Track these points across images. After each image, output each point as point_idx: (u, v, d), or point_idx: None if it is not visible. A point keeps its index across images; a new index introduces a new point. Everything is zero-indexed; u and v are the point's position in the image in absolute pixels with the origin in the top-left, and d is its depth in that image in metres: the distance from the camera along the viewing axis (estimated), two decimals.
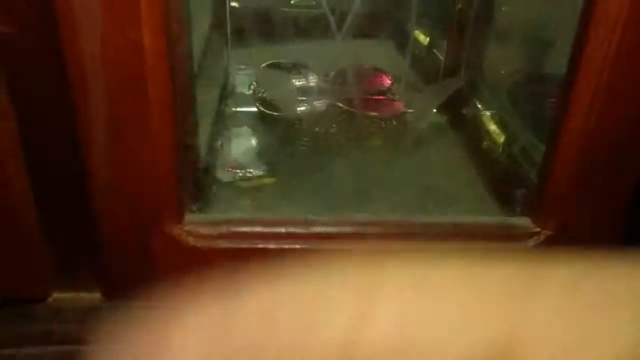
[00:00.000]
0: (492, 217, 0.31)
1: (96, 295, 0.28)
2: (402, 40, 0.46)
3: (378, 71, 0.46)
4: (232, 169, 0.37)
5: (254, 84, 0.44)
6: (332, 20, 0.35)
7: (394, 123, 0.42)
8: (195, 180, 0.26)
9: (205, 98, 0.35)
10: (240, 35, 0.45)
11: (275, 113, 0.42)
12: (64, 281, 0.28)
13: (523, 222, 0.29)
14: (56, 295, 0.28)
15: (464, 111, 0.42)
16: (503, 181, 0.34)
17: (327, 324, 0.11)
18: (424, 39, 0.49)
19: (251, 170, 0.37)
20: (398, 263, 0.12)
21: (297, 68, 0.44)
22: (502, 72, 0.43)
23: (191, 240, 0.25)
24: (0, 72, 0.23)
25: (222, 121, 0.41)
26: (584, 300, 0.13)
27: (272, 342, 0.11)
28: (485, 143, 0.38)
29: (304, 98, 0.42)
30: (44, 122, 0.24)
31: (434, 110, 0.45)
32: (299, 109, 0.42)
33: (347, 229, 0.28)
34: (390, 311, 0.11)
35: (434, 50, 0.48)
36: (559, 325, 0.13)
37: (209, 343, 0.12)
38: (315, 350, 0.11)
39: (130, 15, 0.21)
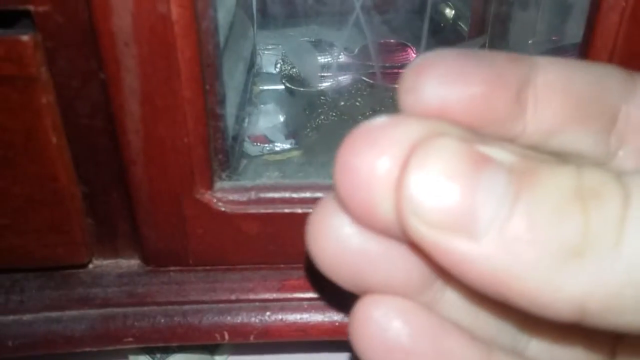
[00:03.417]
0: None
1: (134, 261, 0.30)
2: (426, 14, 0.46)
3: (403, 45, 0.46)
4: (259, 143, 0.38)
5: (280, 61, 0.45)
6: None
7: None
8: (224, 148, 0.27)
9: (232, 74, 0.36)
10: (266, 15, 0.46)
11: (301, 88, 0.42)
12: (104, 248, 0.30)
13: None
14: (96, 261, 0.30)
15: None
16: None
17: None
18: (449, 12, 0.49)
19: (278, 144, 0.38)
20: None
21: (322, 45, 0.45)
22: (530, 42, 0.42)
23: (221, 206, 0.27)
24: (40, 49, 0.24)
25: (250, 99, 0.42)
26: None
27: None
28: None
29: (329, 74, 0.43)
30: (81, 96, 0.25)
31: None
32: (324, 84, 0.43)
33: None
34: None
35: (460, 23, 0.48)
36: None
37: None
38: None
39: None
